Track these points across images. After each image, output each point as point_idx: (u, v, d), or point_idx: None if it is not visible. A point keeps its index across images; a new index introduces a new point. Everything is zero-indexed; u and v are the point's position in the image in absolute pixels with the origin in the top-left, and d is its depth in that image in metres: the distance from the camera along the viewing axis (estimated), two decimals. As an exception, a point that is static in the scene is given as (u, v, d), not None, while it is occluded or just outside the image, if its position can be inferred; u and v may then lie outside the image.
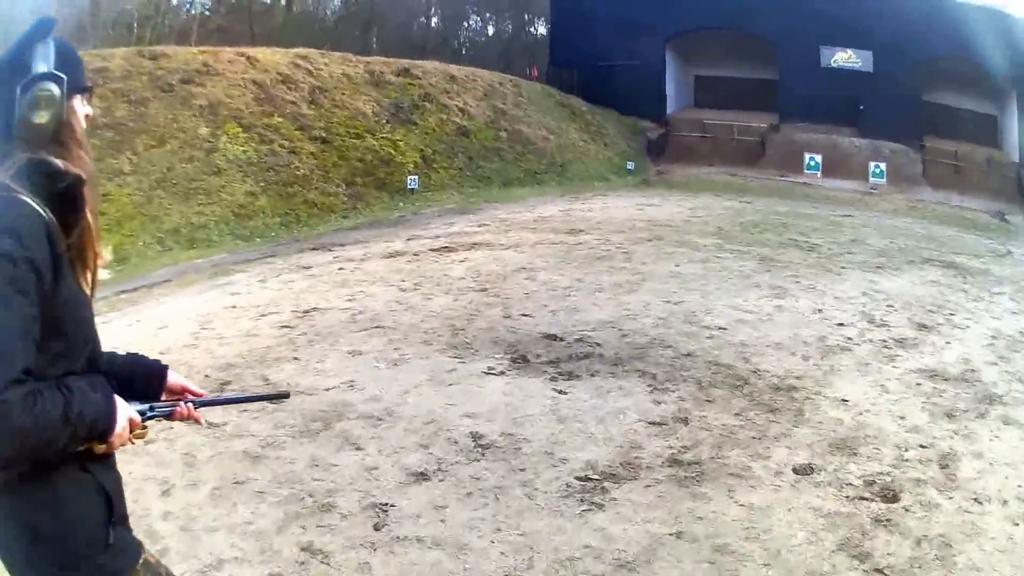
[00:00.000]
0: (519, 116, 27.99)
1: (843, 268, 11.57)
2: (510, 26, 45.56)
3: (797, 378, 6.19)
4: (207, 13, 33.05)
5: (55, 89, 1.51)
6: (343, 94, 21.06)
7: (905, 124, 28.79)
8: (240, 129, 17.15)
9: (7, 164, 1.49)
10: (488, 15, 46.25)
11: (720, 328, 7.42)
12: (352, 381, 5.88)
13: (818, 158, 25.86)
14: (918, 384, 6.34)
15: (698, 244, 12.65)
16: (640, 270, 10.19)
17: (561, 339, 6.97)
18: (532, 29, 44.80)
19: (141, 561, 1.66)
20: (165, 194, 13.83)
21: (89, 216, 1.57)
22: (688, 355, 6.55)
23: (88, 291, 1.63)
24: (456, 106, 25.28)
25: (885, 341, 7.56)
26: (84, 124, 1.67)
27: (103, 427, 1.50)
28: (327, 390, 5.77)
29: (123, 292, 9.83)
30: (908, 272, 11.94)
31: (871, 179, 25.28)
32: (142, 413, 1.67)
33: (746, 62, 32.20)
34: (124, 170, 14.15)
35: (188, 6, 30.04)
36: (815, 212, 19.58)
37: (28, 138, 1.51)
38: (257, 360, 6.54)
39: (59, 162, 1.51)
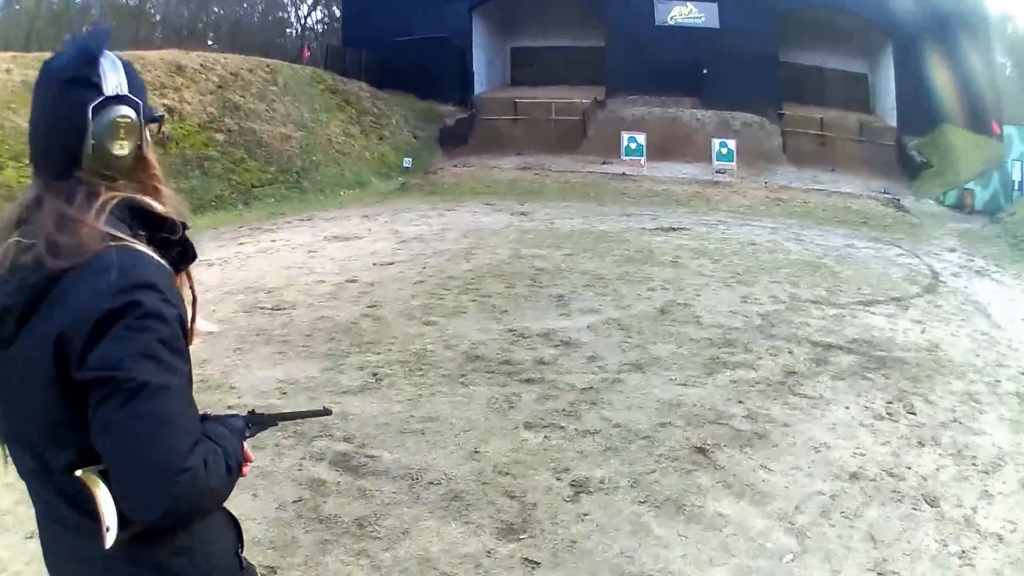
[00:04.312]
0: (259, 111, 19.71)
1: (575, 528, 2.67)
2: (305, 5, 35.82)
3: None
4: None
5: (134, 116, 1.16)
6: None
7: (760, 90, 21.27)
8: None
9: (88, 203, 1.11)
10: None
11: None
12: None
13: (641, 139, 17.23)
14: None
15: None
16: None
17: None
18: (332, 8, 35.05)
19: None
20: None
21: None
22: None
23: None
24: (164, 105, 17.05)
25: None
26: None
27: (240, 464, 1.24)
28: None
29: None
30: (798, 480, 3.28)
31: (716, 161, 16.80)
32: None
33: (571, 29, 24.31)
34: None
35: None
36: (619, 229, 10.87)
37: (100, 171, 1.14)
38: None
39: (159, 207, 1.19)
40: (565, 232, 10.33)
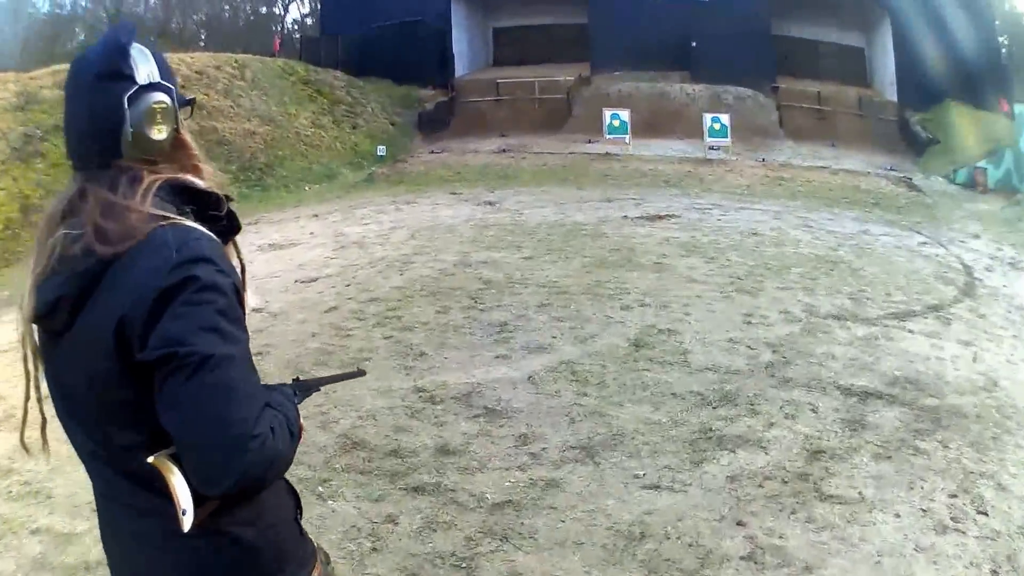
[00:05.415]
0: (222, 108, 18.00)
1: None
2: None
3: None
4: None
5: (168, 101, 1.15)
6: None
7: (752, 64, 19.27)
8: None
9: (132, 188, 1.09)
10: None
11: None
12: None
13: (624, 115, 15.27)
14: None
15: None
16: None
17: None
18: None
19: (316, 545, 1.33)
20: None
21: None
22: None
23: None
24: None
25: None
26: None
27: (300, 430, 1.21)
28: None
29: None
30: None
31: (708, 138, 14.89)
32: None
33: (554, 6, 22.38)
34: None
35: None
36: (596, 219, 9.15)
37: (140, 157, 1.13)
38: None
39: (201, 183, 1.17)
40: (532, 226, 8.54)
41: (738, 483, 2.92)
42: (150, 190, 1.08)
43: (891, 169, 14.70)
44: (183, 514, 1.04)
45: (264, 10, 38.05)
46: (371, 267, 6.83)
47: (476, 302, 5.45)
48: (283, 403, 1.17)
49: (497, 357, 4.33)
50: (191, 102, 1.22)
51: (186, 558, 1.13)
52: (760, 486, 2.91)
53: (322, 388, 1.43)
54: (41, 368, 1.16)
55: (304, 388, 1.34)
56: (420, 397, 3.78)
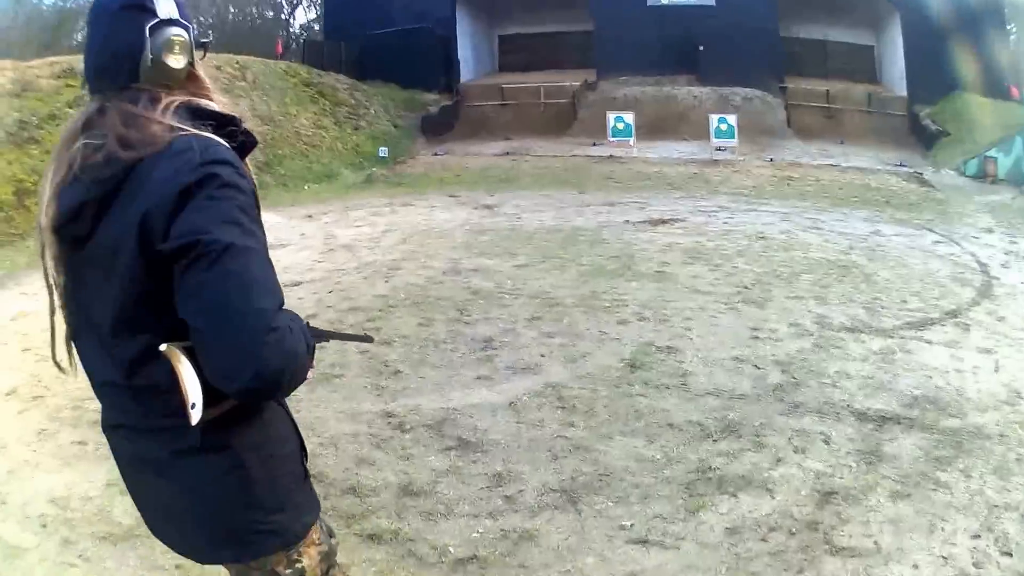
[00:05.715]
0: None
1: None
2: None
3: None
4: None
5: (186, 36, 1.21)
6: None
7: (760, 65, 18.90)
8: None
9: (152, 104, 1.13)
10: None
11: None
12: None
13: (628, 118, 14.83)
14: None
15: None
16: None
17: None
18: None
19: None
20: None
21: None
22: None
23: None
24: (118, 106, 14.45)
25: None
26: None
27: (313, 347, 1.20)
28: None
29: None
30: None
31: (715, 139, 14.42)
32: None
33: (560, 13, 22.00)
34: None
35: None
36: (597, 224, 8.80)
37: (160, 82, 1.17)
38: None
39: (216, 105, 1.22)
40: (529, 231, 8.13)
41: (738, 536, 2.52)
42: (169, 108, 1.11)
43: (901, 165, 14.23)
44: (192, 407, 1.02)
45: (271, 14, 37.72)
46: (357, 272, 6.45)
47: (462, 314, 5.05)
48: (296, 318, 1.13)
49: (478, 378, 3.93)
50: (206, 45, 1.25)
51: (188, 481, 1.12)
52: (764, 540, 2.50)
53: (330, 342, 1.39)
54: (64, 275, 1.15)
55: (314, 334, 1.27)
56: (389, 423, 3.39)
